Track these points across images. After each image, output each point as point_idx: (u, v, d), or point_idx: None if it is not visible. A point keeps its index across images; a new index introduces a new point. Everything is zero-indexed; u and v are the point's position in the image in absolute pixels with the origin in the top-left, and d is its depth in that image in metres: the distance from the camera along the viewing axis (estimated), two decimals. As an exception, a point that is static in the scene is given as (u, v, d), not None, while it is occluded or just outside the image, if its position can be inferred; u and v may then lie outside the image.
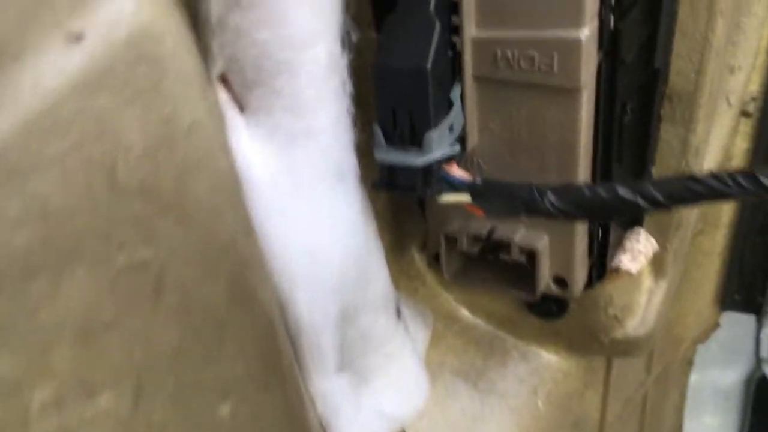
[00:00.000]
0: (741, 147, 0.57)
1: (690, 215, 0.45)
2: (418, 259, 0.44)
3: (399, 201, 0.42)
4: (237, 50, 0.27)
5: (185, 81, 0.21)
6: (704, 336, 0.67)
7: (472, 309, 0.45)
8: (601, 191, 0.30)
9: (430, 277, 0.44)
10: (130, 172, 0.20)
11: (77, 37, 0.19)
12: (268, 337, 0.27)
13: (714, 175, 0.28)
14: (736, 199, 0.29)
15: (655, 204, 0.29)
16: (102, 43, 0.19)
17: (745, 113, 0.55)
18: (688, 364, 0.68)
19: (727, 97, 0.48)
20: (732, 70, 0.48)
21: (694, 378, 0.73)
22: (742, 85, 0.49)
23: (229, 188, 0.23)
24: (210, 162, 0.22)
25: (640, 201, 0.29)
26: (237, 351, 0.25)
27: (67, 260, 0.19)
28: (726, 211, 0.60)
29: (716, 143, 0.47)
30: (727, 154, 0.51)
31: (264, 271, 0.26)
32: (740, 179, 0.27)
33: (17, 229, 0.18)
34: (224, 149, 0.23)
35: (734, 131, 0.54)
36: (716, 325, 0.68)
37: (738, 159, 0.57)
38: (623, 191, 0.29)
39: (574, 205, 0.30)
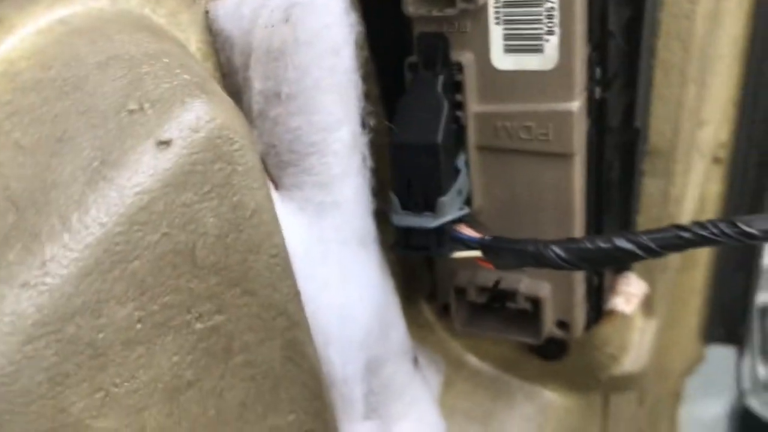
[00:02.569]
0: (714, 190, 0.62)
1: (675, 257, 0.49)
2: (426, 309, 0.47)
3: (407, 255, 0.45)
4: (273, 137, 0.31)
5: (249, 173, 0.24)
6: (690, 370, 0.70)
7: (479, 354, 0.49)
8: (602, 243, 0.33)
9: (438, 326, 0.48)
10: (206, 253, 0.24)
11: (167, 143, 0.22)
12: (316, 389, 0.30)
13: (699, 224, 0.32)
14: (721, 245, 0.32)
15: (650, 252, 0.32)
16: (187, 146, 0.22)
17: (716, 159, 0.60)
18: (677, 397, 0.71)
19: (699, 148, 0.52)
20: (702, 124, 0.52)
21: (683, 410, 0.77)
22: (711, 136, 0.54)
23: (283, 260, 0.27)
24: (268, 240, 0.26)
25: (637, 250, 0.32)
26: (290, 403, 0.28)
27: (159, 331, 0.23)
28: (704, 251, 0.64)
29: (692, 191, 0.52)
30: (702, 199, 0.55)
31: (309, 329, 0.30)
32: (723, 227, 0.31)
33: (121, 305, 0.22)
34: (278, 227, 0.27)
35: (707, 177, 0.58)
36: (701, 359, 0.71)
37: (711, 201, 0.62)
38: (621, 242, 0.33)
39: (578, 257, 0.34)
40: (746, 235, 0.30)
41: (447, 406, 0.46)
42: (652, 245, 0.32)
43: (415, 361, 0.41)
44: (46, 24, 0.24)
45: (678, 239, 0.32)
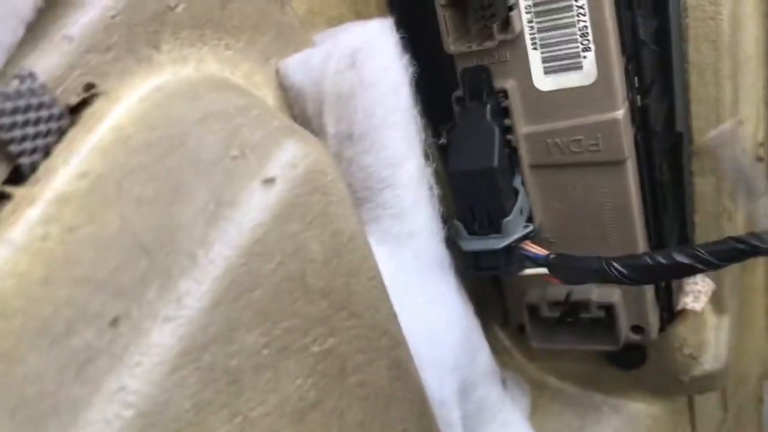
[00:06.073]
0: (760, 189, 0.63)
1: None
2: (502, 335, 0.48)
3: (477, 284, 0.47)
4: (349, 176, 0.33)
5: (342, 202, 0.26)
6: (767, 373, 0.70)
7: (559, 375, 0.49)
8: (661, 259, 0.34)
9: (515, 350, 0.49)
10: (315, 279, 0.25)
11: (271, 181, 0.24)
12: (422, 407, 0.31)
13: (754, 235, 0.33)
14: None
15: (709, 265, 0.33)
16: (289, 182, 0.25)
17: (758, 158, 0.61)
18: (759, 402, 0.70)
19: (742, 147, 0.54)
20: (740, 123, 0.54)
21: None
22: (751, 134, 0.55)
23: (379, 282, 0.29)
24: (364, 263, 0.28)
25: (696, 264, 0.33)
26: (402, 422, 0.30)
27: (282, 356, 0.24)
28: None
29: (741, 187, 0.53)
30: (751, 197, 0.56)
31: (409, 349, 0.31)
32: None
33: (248, 332, 0.23)
34: (371, 251, 0.28)
35: (753, 176, 0.59)
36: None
37: (760, 200, 0.63)
38: (680, 257, 0.34)
39: (639, 273, 0.35)
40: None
41: (536, 429, 0.47)
42: (711, 258, 0.33)
43: (504, 383, 0.42)
44: (146, 92, 0.26)
45: (735, 251, 0.33)
